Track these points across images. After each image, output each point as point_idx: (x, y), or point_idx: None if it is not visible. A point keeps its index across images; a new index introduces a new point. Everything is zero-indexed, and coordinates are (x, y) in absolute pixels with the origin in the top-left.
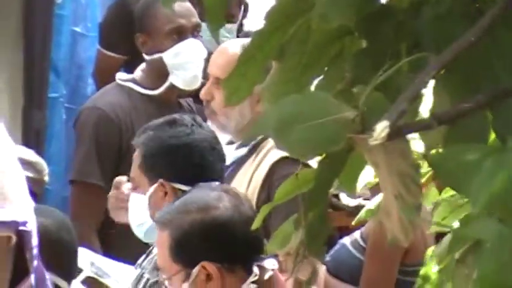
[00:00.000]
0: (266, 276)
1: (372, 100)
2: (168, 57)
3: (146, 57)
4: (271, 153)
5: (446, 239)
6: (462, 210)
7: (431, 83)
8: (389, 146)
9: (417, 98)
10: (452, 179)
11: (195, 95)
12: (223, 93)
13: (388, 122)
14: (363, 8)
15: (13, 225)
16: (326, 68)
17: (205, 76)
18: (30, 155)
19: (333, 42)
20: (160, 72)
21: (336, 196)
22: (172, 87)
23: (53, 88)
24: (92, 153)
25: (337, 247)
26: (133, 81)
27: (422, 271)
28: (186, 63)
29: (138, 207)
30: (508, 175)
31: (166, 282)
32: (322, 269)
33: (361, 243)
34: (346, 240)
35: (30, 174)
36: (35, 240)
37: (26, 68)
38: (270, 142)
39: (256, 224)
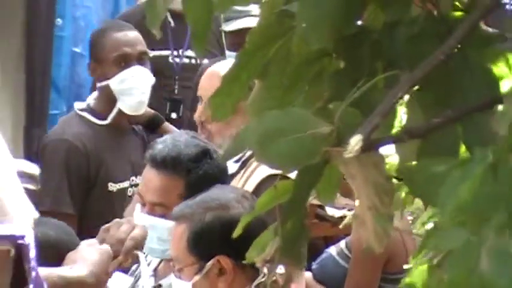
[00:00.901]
0: (273, 278)
1: (347, 115)
2: (114, 83)
3: (97, 84)
4: (259, 170)
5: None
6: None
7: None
8: (363, 158)
9: (390, 113)
10: (421, 191)
11: (144, 122)
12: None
13: (362, 135)
14: (340, 30)
15: (11, 239)
16: (306, 87)
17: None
18: (32, 168)
19: (312, 63)
20: (109, 99)
21: (322, 207)
22: (121, 113)
23: (53, 105)
24: (63, 184)
25: (323, 255)
26: (88, 109)
27: (406, 280)
28: (131, 89)
29: None
30: (473, 185)
31: (176, 273)
32: (307, 276)
33: (346, 252)
34: (332, 250)
35: (32, 187)
36: (32, 253)
37: (28, 87)
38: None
39: (237, 233)
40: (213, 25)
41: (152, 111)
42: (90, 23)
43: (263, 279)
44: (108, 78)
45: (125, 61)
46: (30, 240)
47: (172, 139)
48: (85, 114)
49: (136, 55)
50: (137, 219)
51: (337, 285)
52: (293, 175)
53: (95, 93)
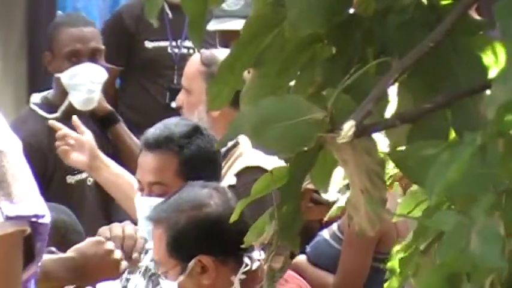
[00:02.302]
0: (254, 267)
1: (340, 102)
2: (65, 78)
3: (54, 75)
4: (237, 162)
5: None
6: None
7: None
8: (356, 143)
9: (382, 99)
10: (412, 173)
11: (99, 117)
12: (206, 98)
13: (355, 121)
14: (331, 17)
15: (33, 218)
16: (299, 73)
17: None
18: None
19: (304, 50)
20: (62, 92)
21: (317, 191)
22: (72, 107)
23: None
24: None
25: (316, 238)
26: (44, 101)
27: (388, 264)
28: (80, 85)
29: None
30: (461, 166)
31: (162, 275)
32: (302, 259)
33: (339, 234)
34: (325, 232)
35: None
36: (46, 233)
37: (30, 80)
38: (239, 149)
39: (233, 218)
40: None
41: (109, 108)
42: (91, 15)
43: (247, 269)
44: (61, 71)
45: (76, 57)
46: (47, 220)
47: (163, 123)
48: (36, 108)
49: (88, 52)
50: (138, 204)
51: (330, 266)
52: (270, 167)
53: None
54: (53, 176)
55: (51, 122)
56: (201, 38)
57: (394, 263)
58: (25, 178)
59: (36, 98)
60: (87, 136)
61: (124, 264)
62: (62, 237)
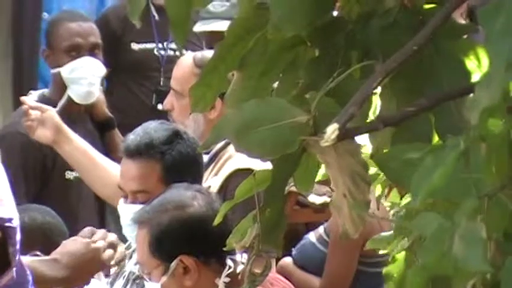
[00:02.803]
0: (238, 269)
1: (323, 105)
2: (65, 72)
3: (51, 70)
4: (227, 164)
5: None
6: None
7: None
8: (339, 146)
9: (365, 102)
10: (395, 176)
11: (98, 121)
12: (189, 101)
13: (338, 124)
14: (314, 19)
15: (5, 222)
16: (281, 75)
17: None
18: None
19: (287, 52)
20: (61, 87)
21: (303, 194)
22: (73, 101)
23: None
24: (19, 177)
25: (303, 241)
26: (42, 98)
27: (384, 270)
28: (80, 78)
29: None
30: (445, 171)
31: (146, 276)
32: (288, 262)
33: (325, 237)
34: (311, 235)
35: None
36: (18, 236)
37: (15, 80)
38: (228, 152)
39: (217, 221)
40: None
41: (109, 114)
42: None
43: (230, 271)
44: (60, 66)
45: (76, 51)
46: (17, 224)
47: (142, 128)
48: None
49: (88, 46)
50: (122, 211)
51: (317, 269)
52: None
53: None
54: (52, 171)
55: (22, 98)
56: (184, 39)
57: (390, 269)
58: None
59: (33, 96)
60: (50, 112)
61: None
62: (47, 239)
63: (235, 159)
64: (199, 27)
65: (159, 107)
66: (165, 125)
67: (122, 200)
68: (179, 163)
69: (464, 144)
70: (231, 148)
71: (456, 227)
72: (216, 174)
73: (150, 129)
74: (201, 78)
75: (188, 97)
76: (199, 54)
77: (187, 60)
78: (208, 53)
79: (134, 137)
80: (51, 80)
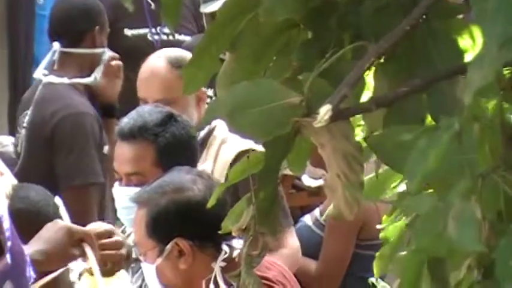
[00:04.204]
0: (234, 255)
1: (316, 86)
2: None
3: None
4: (224, 149)
5: None
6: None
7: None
8: (332, 127)
9: (357, 83)
10: (389, 158)
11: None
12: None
13: (331, 105)
14: (307, 2)
15: None
16: (275, 58)
17: None
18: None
19: (280, 34)
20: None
21: (299, 178)
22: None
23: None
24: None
25: (298, 225)
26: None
27: (381, 234)
28: None
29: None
30: (440, 152)
31: (141, 257)
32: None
33: (321, 220)
34: (307, 218)
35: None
36: (6, 224)
37: (11, 65)
38: (217, 137)
39: (211, 203)
40: (190, 2)
41: (114, 101)
42: None
43: (226, 256)
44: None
45: None
46: (3, 211)
47: (136, 111)
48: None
49: None
50: (116, 194)
51: (313, 252)
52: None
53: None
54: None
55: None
56: (176, 23)
57: (386, 233)
58: None
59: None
60: None
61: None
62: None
63: (231, 143)
64: (204, 8)
65: None
66: (159, 107)
67: (116, 183)
68: (173, 145)
69: (458, 125)
70: (219, 132)
71: (450, 207)
72: (215, 161)
73: (144, 112)
74: (192, 58)
75: (179, 102)
76: (172, 56)
77: (159, 67)
78: (181, 51)
79: (128, 120)
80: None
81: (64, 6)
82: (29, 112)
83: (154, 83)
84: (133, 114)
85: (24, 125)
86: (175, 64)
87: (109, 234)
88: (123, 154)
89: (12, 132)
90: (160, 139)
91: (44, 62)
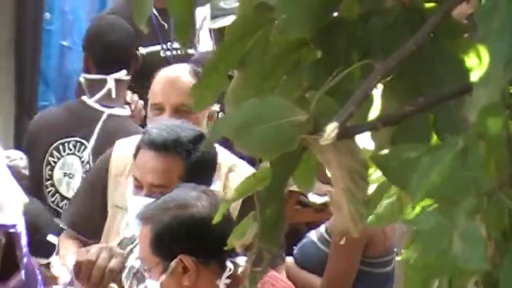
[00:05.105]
0: (238, 272)
1: (323, 104)
2: None
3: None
4: (233, 179)
5: None
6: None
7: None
8: (339, 145)
9: (364, 101)
10: (395, 176)
11: None
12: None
13: (337, 123)
14: (318, 21)
15: (3, 228)
16: (284, 77)
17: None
18: (21, 156)
19: (289, 53)
20: None
21: (304, 194)
22: None
23: (43, 97)
24: None
25: (304, 241)
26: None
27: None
28: None
29: None
30: (443, 170)
31: (146, 273)
32: (289, 261)
33: (326, 236)
34: (313, 234)
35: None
36: (24, 240)
37: (17, 79)
38: (222, 165)
39: (216, 219)
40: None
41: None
42: (78, 17)
43: (230, 273)
44: None
45: None
46: (21, 228)
47: (166, 124)
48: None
49: None
50: (133, 203)
51: (318, 269)
52: None
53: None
54: None
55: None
56: (186, 38)
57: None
58: (5, 186)
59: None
60: None
61: None
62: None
63: (239, 172)
64: (212, 24)
65: None
66: (188, 124)
67: (132, 191)
68: (201, 164)
69: (462, 142)
70: (223, 159)
71: (455, 225)
72: (222, 188)
73: (176, 126)
74: (202, 77)
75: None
76: (189, 67)
77: (180, 73)
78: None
79: (159, 131)
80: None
81: (121, 31)
82: (90, 143)
83: (175, 86)
84: (163, 126)
85: (79, 154)
86: (195, 75)
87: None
88: (151, 164)
89: (18, 146)
90: (192, 156)
91: (101, 92)
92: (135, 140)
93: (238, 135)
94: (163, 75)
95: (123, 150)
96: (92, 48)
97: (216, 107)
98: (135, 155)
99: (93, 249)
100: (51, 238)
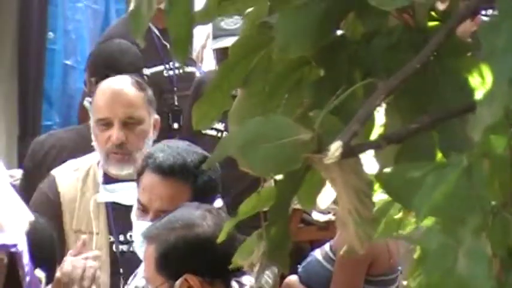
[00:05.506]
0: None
1: (327, 123)
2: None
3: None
4: None
5: None
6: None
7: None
8: (343, 164)
9: (368, 120)
10: (398, 195)
11: None
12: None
13: (341, 142)
14: (319, 40)
15: (4, 248)
16: (287, 96)
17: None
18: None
19: (292, 71)
20: None
21: (307, 212)
22: None
23: (46, 116)
24: None
25: (309, 259)
26: None
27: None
28: None
29: None
30: (447, 188)
31: None
32: (294, 279)
33: (331, 255)
34: (317, 253)
35: None
36: (26, 259)
37: (21, 98)
38: None
39: (221, 239)
40: None
41: None
42: (81, 36)
43: None
44: None
45: None
46: (22, 247)
47: (170, 147)
48: None
49: None
50: (138, 227)
51: (322, 287)
52: None
53: None
54: None
55: None
56: (185, 56)
57: None
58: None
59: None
60: None
61: None
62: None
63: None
64: (213, 44)
65: (175, 126)
66: (192, 147)
67: (137, 215)
68: (207, 188)
69: (467, 161)
70: None
71: (460, 244)
72: None
73: (181, 149)
74: (205, 95)
75: (146, 121)
76: (131, 79)
77: (125, 87)
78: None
79: (165, 156)
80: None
81: (131, 55)
82: None
83: (121, 100)
84: (168, 150)
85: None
86: (138, 86)
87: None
88: (158, 189)
89: (22, 165)
90: (199, 181)
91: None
92: (72, 166)
93: (242, 154)
94: (105, 89)
95: (66, 180)
96: (102, 73)
97: (219, 125)
98: (138, 178)
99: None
100: (38, 273)
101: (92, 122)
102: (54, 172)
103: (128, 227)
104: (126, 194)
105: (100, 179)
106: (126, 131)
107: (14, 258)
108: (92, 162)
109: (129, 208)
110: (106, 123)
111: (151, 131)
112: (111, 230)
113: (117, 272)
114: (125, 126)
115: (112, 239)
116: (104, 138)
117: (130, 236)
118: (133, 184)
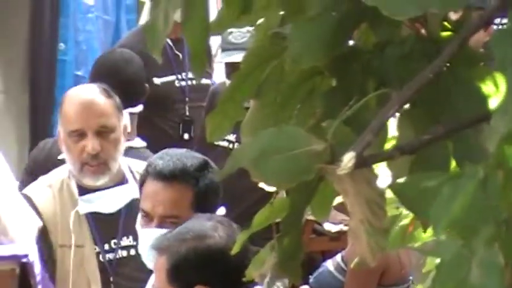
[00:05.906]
0: None
1: (340, 133)
2: None
3: None
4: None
5: None
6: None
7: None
8: (356, 174)
9: (381, 130)
10: (413, 205)
11: None
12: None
13: (354, 153)
14: (332, 50)
15: (15, 259)
16: (299, 106)
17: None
18: None
19: (304, 82)
20: None
21: (319, 222)
22: None
23: (57, 127)
24: None
25: (320, 269)
26: None
27: None
28: None
29: None
30: (465, 200)
31: None
32: None
33: (342, 265)
34: (329, 263)
35: None
36: (37, 269)
37: (32, 109)
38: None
39: (235, 250)
40: None
41: None
42: (92, 47)
43: None
44: None
45: None
46: (33, 257)
47: (170, 154)
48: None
49: None
50: (144, 235)
51: None
52: None
53: None
54: None
55: None
56: (202, 67)
57: None
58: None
59: None
60: None
61: None
62: None
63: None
64: (221, 58)
65: (185, 136)
66: (191, 153)
67: (141, 223)
68: (210, 191)
69: (483, 172)
70: (138, 168)
71: (474, 254)
72: None
73: (180, 155)
74: (218, 107)
75: (118, 129)
76: (100, 87)
77: (99, 98)
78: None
79: (165, 161)
80: None
81: (135, 65)
82: None
83: (93, 110)
84: (167, 156)
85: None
86: (106, 94)
87: None
88: (160, 195)
89: None
90: (201, 184)
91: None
92: (44, 183)
93: (255, 165)
94: (75, 100)
95: (42, 198)
96: (107, 83)
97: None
98: (140, 189)
99: None
100: None
101: (61, 134)
102: (27, 192)
103: (111, 235)
104: (104, 202)
105: (75, 190)
106: (100, 140)
107: (25, 268)
108: (62, 176)
109: (109, 216)
110: (79, 134)
111: (122, 138)
112: (95, 241)
113: (108, 281)
114: (99, 135)
115: (97, 249)
116: (78, 149)
117: (115, 243)
118: (109, 191)
